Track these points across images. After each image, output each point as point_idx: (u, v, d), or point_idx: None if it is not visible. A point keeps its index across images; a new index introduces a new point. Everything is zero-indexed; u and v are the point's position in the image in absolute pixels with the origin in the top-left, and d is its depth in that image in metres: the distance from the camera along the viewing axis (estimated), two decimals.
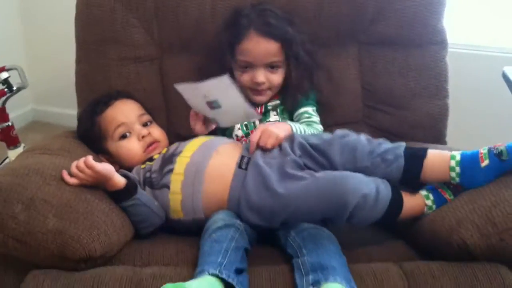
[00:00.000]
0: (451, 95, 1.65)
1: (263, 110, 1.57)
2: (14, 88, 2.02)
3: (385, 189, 1.23)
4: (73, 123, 1.60)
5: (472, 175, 1.23)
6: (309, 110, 1.57)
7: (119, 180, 1.29)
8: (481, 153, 1.24)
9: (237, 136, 1.57)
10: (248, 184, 1.28)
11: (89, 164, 1.24)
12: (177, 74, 1.64)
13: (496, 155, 1.21)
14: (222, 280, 1.08)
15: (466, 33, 2.16)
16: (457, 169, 1.24)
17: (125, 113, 1.50)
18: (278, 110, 1.59)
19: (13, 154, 2.09)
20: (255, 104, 1.56)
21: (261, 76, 1.51)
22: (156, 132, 1.52)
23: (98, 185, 1.28)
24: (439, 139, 1.65)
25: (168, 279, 1.13)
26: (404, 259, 1.24)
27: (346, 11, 1.63)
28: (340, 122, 1.66)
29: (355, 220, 1.21)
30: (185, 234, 1.33)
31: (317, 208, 1.21)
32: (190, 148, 1.38)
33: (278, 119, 1.57)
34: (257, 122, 1.57)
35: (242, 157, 1.34)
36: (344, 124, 1.65)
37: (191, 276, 1.12)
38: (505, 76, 1.49)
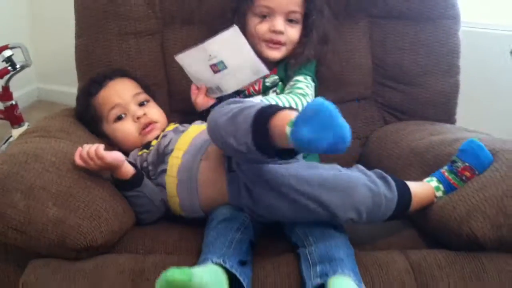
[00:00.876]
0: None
1: (261, 87, 1.51)
2: (18, 67, 2.00)
3: (390, 194, 1.16)
4: None
5: None
6: (300, 78, 1.48)
7: (128, 170, 1.26)
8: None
9: None
10: (243, 190, 1.21)
11: (100, 154, 1.20)
12: (178, 48, 1.58)
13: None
14: (226, 270, 1.06)
15: (473, 11, 2.08)
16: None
17: (119, 93, 1.45)
18: (278, 89, 1.51)
19: (17, 133, 2.08)
20: (266, 63, 1.47)
21: (281, 24, 1.45)
22: (153, 112, 1.46)
23: (105, 171, 1.26)
24: (449, 117, 1.61)
25: None
26: (410, 246, 1.21)
27: None
28: (349, 99, 1.64)
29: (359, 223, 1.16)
30: (188, 222, 1.31)
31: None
32: (180, 147, 1.32)
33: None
34: (271, 94, 1.50)
35: (229, 158, 1.25)
36: (352, 101, 1.64)
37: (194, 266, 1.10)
38: None
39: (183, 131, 1.38)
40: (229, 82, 1.44)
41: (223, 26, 1.41)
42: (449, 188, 1.24)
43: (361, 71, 1.63)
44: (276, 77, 1.51)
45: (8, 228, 1.12)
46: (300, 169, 1.16)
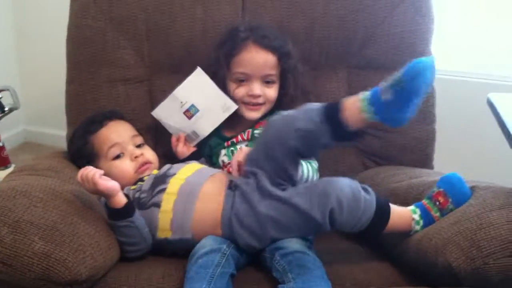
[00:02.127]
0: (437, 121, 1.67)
1: (249, 136, 1.56)
2: (6, 109, 2.03)
3: (369, 196, 1.23)
4: (65, 145, 1.61)
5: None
6: None
7: (120, 200, 1.29)
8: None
9: (223, 161, 1.56)
10: (236, 203, 1.28)
11: (94, 181, 1.24)
12: (166, 95, 1.64)
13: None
14: None
15: (450, 60, 2.19)
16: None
17: (119, 133, 1.51)
18: None
19: (3, 174, 2.05)
20: (247, 123, 1.56)
21: (258, 88, 1.52)
22: (149, 153, 1.53)
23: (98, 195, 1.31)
24: (426, 163, 1.67)
25: None
26: (389, 282, 1.24)
27: (336, 35, 1.65)
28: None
29: (339, 221, 1.21)
30: (171, 256, 1.32)
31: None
32: (185, 172, 1.39)
33: None
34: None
35: (231, 181, 1.34)
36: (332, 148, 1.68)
37: None
38: (490, 103, 1.50)
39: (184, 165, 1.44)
40: (204, 125, 1.52)
41: (213, 72, 1.54)
42: (425, 213, 1.27)
43: None
44: None
45: None
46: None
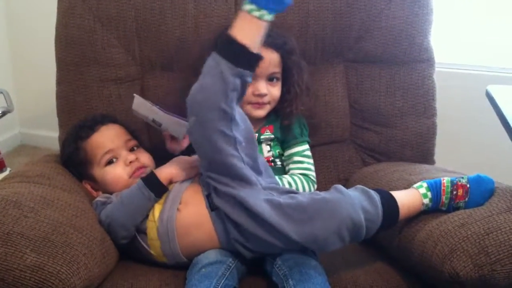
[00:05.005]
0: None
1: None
2: (0, 112, 1.99)
3: (373, 210, 1.19)
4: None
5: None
6: (304, 151, 1.54)
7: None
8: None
9: None
10: (229, 228, 1.22)
11: None
12: (158, 94, 1.61)
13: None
14: None
15: (450, 52, 2.16)
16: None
17: (112, 138, 1.46)
18: (272, 144, 1.55)
19: None
20: (253, 120, 1.51)
21: (263, 88, 1.48)
22: (144, 157, 1.48)
23: None
24: (427, 157, 1.63)
25: None
26: (391, 286, 1.22)
27: (332, 30, 1.61)
28: (327, 141, 1.66)
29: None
30: (170, 266, 1.30)
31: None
32: (157, 207, 1.31)
33: (271, 153, 1.54)
34: (264, 148, 1.54)
35: (207, 196, 1.27)
36: (331, 143, 1.65)
37: None
38: (488, 95, 1.47)
39: None
40: (175, 130, 1.47)
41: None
42: (436, 197, 1.25)
43: (338, 114, 1.66)
44: (272, 136, 1.55)
45: None
46: (277, 199, 1.18)
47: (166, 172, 1.34)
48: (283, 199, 1.18)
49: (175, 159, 1.40)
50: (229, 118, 1.16)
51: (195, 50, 1.58)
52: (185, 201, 1.29)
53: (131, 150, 1.48)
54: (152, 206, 1.30)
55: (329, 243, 1.15)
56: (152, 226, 1.28)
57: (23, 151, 3.00)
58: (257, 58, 1.16)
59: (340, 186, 1.21)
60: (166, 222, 1.27)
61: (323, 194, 1.19)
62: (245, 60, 1.14)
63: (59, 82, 1.63)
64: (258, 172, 1.25)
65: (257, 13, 1.11)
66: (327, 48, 1.64)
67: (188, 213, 1.27)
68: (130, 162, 1.44)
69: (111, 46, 1.59)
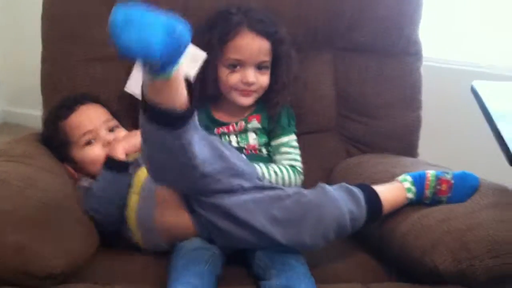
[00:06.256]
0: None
1: (242, 128, 1.53)
2: None
3: (357, 210, 1.20)
4: None
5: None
6: (291, 142, 1.54)
7: None
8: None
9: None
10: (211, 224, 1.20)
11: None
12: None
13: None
14: None
15: (435, 47, 2.16)
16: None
17: (90, 118, 1.43)
18: (258, 132, 1.54)
19: None
20: (240, 108, 1.52)
21: (252, 75, 1.46)
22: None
23: None
24: (411, 150, 1.65)
25: None
26: (372, 278, 1.23)
27: (323, 17, 1.60)
28: (312, 130, 1.66)
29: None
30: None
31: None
32: (133, 197, 1.30)
33: (257, 141, 1.53)
34: (250, 135, 1.54)
35: (185, 197, 1.24)
36: (316, 132, 1.66)
37: None
38: (473, 90, 1.49)
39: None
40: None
41: None
42: (420, 191, 1.27)
43: (325, 103, 1.66)
44: (259, 125, 1.54)
45: None
46: (263, 203, 1.16)
47: (119, 149, 1.35)
48: (269, 200, 1.17)
49: (131, 132, 1.42)
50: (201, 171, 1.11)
51: None
52: (161, 199, 1.25)
53: (111, 130, 1.45)
54: (127, 186, 1.30)
55: (315, 245, 1.16)
56: (131, 217, 1.28)
57: (5, 129, 2.94)
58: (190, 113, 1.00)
59: (325, 186, 1.22)
60: (144, 221, 1.26)
61: (308, 195, 1.18)
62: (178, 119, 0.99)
63: (43, 60, 1.59)
64: (239, 174, 1.21)
65: (159, 78, 0.91)
66: (318, 36, 1.63)
67: (167, 215, 1.25)
68: (109, 142, 1.41)
69: (98, 24, 1.54)
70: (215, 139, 1.23)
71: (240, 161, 1.26)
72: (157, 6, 0.85)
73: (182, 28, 0.85)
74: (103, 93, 1.56)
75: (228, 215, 1.15)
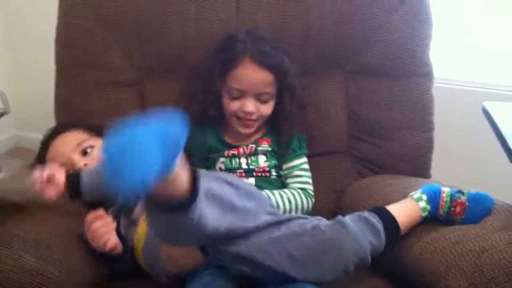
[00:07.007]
0: None
1: (252, 150, 1.52)
2: None
3: (376, 242, 1.22)
4: None
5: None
6: (303, 164, 1.54)
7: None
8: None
9: (220, 169, 1.52)
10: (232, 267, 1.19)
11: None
12: (158, 99, 1.60)
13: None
14: None
15: (446, 68, 2.17)
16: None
17: (60, 151, 1.44)
18: (268, 155, 1.54)
19: None
20: (242, 136, 1.52)
21: (251, 105, 1.45)
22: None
23: None
24: (423, 172, 1.64)
25: None
26: None
27: (333, 40, 1.61)
28: (324, 152, 1.65)
29: None
30: None
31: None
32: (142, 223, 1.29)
33: (267, 164, 1.52)
34: (260, 158, 1.53)
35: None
36: (327, 154, 1.66)
37: None
38: (485, 111, 1.49)
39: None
40: None
41: (207, 81, 1.49)
42: (434, 210, 1.27)
43: (336, 125, 1.66)
44: (269, 148, 1.53)
45: None
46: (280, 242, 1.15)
47: (108, 243, 1.23)
48: (286, 239, 1.15)
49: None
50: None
51: (196, 54, 1.58)
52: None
53: (85, 153, 1.44)
54: None
55: (336, 279, 1.16)
56: (138, 243, 1.27)
57: (17, 154, 2.98)
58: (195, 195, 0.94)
59: (343, 219, 1.21)
60: (151, 255, 1.24)
61: (327, 231, 1.17)
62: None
63: (57, 84, 1.62)
64: (251, 217, 1.17)
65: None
66: (327, 59, 1.64)
67: (176, 253, 1.22)
68: (85, 164, 1.41)
69: (111, 50, 1.57)
70: (217, 178, 1.21)
71: (250, 197, 1.23)
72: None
73: (176, 131, 0.82)
74: (115, 117, 1.56)
75: (245, 259, 1.14)
